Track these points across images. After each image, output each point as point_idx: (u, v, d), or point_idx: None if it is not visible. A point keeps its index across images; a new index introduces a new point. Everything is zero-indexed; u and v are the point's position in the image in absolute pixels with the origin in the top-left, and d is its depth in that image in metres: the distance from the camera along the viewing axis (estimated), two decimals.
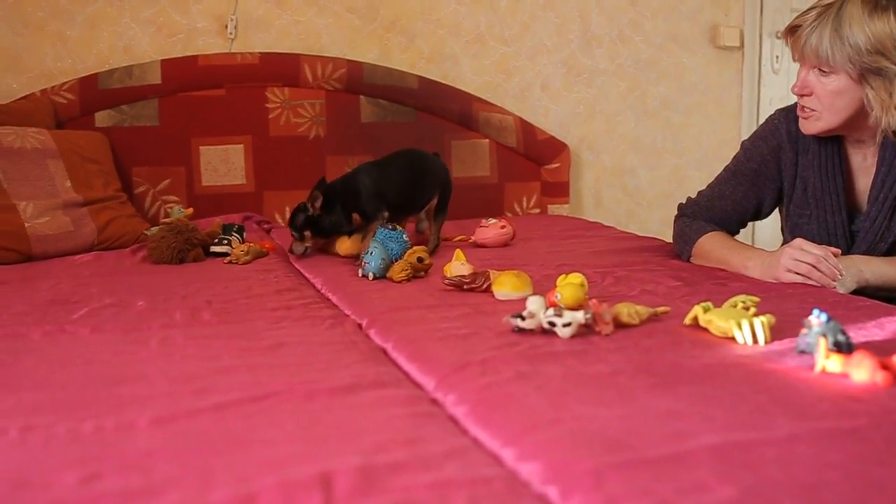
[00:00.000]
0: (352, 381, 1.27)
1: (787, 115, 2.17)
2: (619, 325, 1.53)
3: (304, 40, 3.39)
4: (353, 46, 3.44)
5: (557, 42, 3.74)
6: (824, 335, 1.32)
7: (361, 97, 3.35)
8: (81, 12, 3.14)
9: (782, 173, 2.17)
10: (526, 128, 3.55)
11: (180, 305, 1.82)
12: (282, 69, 3.26)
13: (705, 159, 3.97)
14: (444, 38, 3.57)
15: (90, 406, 1.16)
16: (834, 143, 2.10)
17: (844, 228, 2.09)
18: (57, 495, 0.89)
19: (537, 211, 3.60)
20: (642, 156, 3.93)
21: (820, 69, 1.95)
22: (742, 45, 4.01)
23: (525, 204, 3.58)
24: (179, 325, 1.65)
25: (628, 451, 0.98)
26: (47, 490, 0.90)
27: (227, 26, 3.28)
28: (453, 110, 3.45)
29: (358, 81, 3.33)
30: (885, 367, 1.24)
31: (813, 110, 2.01)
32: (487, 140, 3.51)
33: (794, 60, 2.04)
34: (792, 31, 2.00)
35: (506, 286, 1.81)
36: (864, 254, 2.06)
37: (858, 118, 1.98)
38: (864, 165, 2.09)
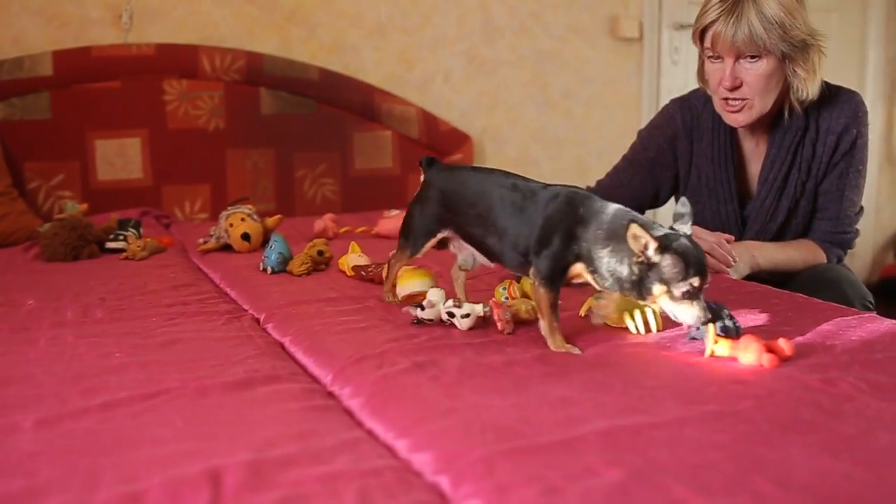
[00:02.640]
0: (246, 377, 1.25)
1: (682, 105, 2.23)
2: (519, 320, 1.54)
3: (201, 31, 3.32)
4: (252, 37, 3.39)
5: (459, 33, 3.75)
6: (713, 321, 1.35)
7: (262, 89, 3.30)
8: None
9: (678, 162, 2.22)
10: (428, 119, 3.56)
11: (72, 304, 1.77)
12: (179, 60, 3.19)
13: (606, 149, 4.01)
14: (345, 28, 3.54)
15: None
16: (727, 132, 2.15)
17: (737, 215, 2.15)
18: None
19: None
20: (544, 146, 3.97)
21: (749, 56, 1.98)
22: (641, 37, 4.07)
23: None
24: (70, 324, 1.61)
25: (520, 438, 0.99)
26: None
27: (121, 16, 3.20)
28: (355, 102, 3.43)
29: (258, 73, 3.28)
30: (770, 349, 1.28)
31: (744, 100, 2.02)
32: (390, 131, 3.49)
33: (717, 56, 2.01)
34: (708, 28, 2.00)
35: (407, 282, 1.74)
36: (755, 236, 2.12)
37: (778, 99, 2.04)
38: (756, 151, 2.15)
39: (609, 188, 2.31)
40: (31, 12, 3.09)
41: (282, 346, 1.50)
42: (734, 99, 2.03)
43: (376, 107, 3.46)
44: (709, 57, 2.04)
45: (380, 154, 3.49)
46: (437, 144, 3.55)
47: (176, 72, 3.19)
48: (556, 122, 3.98)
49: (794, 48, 1.96)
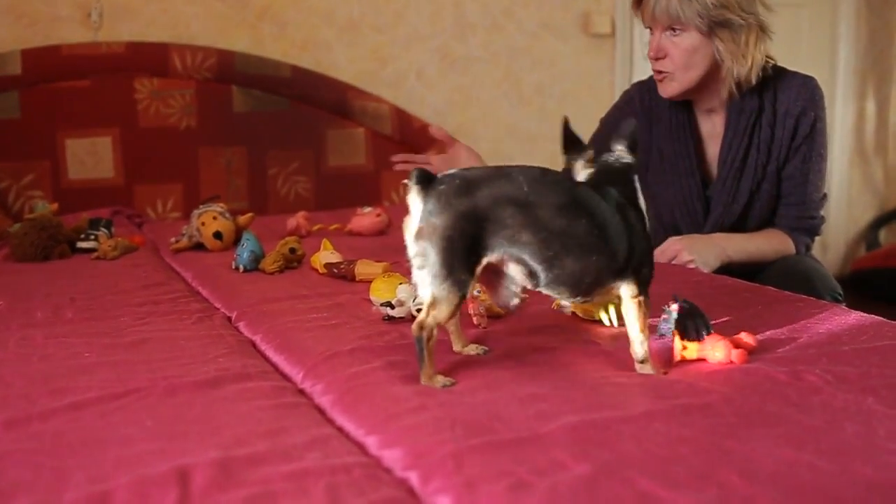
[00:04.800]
0: (216, 375, 1.25)
1: (641, 87, 2.30)
2: (492, 315, 1.54)
3: (172, 29, 3.31)
4: (223, 35, 3.38)
5: (431, 30, 3.75)
6: (681, 324, 1.33)
7: (234, 87, 3.29)
8: None
9: None
10: (402, 116, 3.56)
11: (42, 304, 1.76)
12: (149, 59, 3.18)
13: None
14: (317, 25, 3.54)
15: None
16: (685, 111, 2.20)
17: (699, 192, 2.19)
18: None
19: None
20: (518, 142, 3.97)
21: (672, 28, 2.05)
22: (614, 33, 4.09)
23: (402, 192, 3.58)
24: (40, 325, 1.60)
25: (489, 434, 0.99)
26: None
27: (90, 14, 3.18)
28: (328, 99, 3.43)
29: (229, 71, 3.27)
30: (737, 345, 1.28)
31: (668, 72, 2.10)
32: (363, 129, 3.49)
33: (645, 26, 2.13)
34: (638, 1, 2.10)
35: (382, 292, 1.64)
36: (719, 218, 2.15)
37: (710, 77, 2.09)
38: (714, 133, 2.19)
39: None
40: None
41: (253, 344, 1.50)
42: (660, 70, 2.11)
43: (349, 104, 3.45)
44: (646, 27, 2.14)
45: (353, 151, 3.48)
46: (411, 141, 3.55)
47: (147, 70, 3.17)
48: (529, 119, 3.99)
49: (717, 25, 2.01)
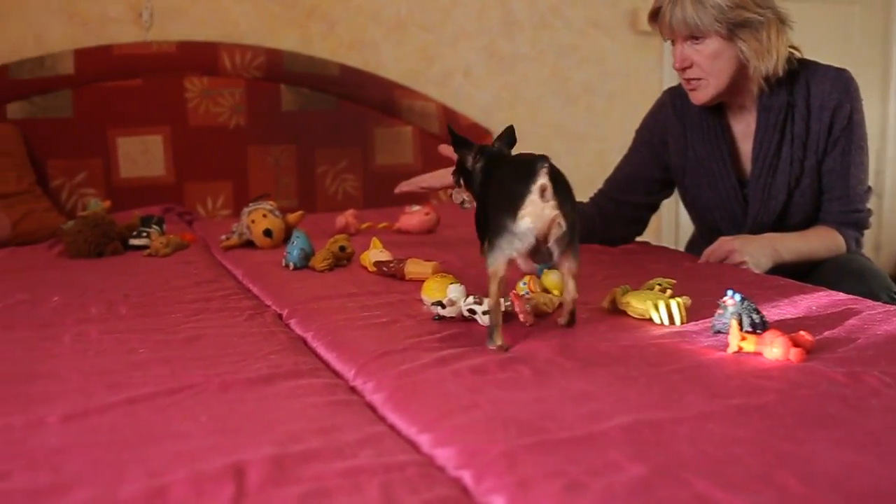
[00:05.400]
0: (269, 372, 1.26)
1: (673, 93, 2.30)
2: (539, 314, 1.54)
3: (221, 28, 3.34)
4: (272, 34, 3.40)
5: (478, 28, 3.75)
6: (738, 316, 1.35)
7: (282, 85, 3.32)
8: None
9: (670, 147, 2.25)
10: (449, 114, 3.56)
11: (96, 300, 1.78)
12: (200, 58, 3.21)
13: (627, 143, 3.99)
14: (365, 24, 3.55)
15: None
16: (716, 113, 2.20)
17: (736, 192, 2.19)
18: None
19: None
20: (565, 141, 3.96)
21: (693, 37, 2.05)
22: None
23: (447, 193, 3.58)
24: (95, 320, 1.62)
25: (542, 433, 0.98)
26: None
27: (141, 14, 3.22)
28: (375, 98, 3.44)
29: (278, 69, 3.30)
30: (796, 343, 1.27)
31: (699, 79, 2.10)
32: (410, 127, 3.50)
33: (665, 39, 2.13)
34: (654, 14, 2.10)
35: (433, 291, 1.63)
36: (756, 215, 2.14)
37: (739, 76, 2.08)
38: (747, 132, 2.18)
39: (614, 175, 2.39)
40: (52, 11, 3.12)
41: (304, 342, 1.50)
42: (689, 79, 2.11)
43: (397, 103, 3.46)
44: (666, 40, 2.15)
45: (400, 150, 3.49)
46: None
47: (197, 69, 3.21)
48: (576, 117, 3.97)
49: (736, 26, 2.01)
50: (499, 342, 1.34)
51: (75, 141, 3.07)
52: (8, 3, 3.07)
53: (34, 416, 1.09)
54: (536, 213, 1.32)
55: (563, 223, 1.33)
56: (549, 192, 1.32)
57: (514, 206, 1.32)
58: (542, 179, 1.31)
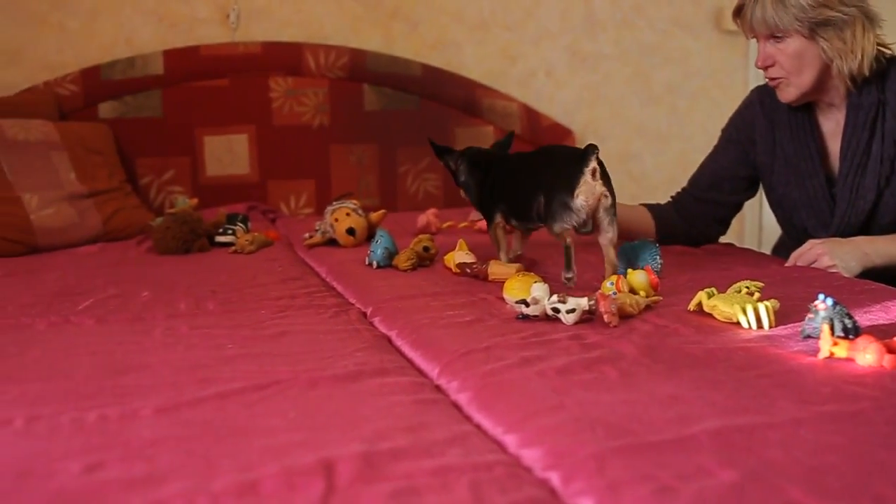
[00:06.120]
0: (355, 369, 1.27)
1: (761, 91, 2.26)
2: (623, 314, 1.53)
3: (306, 28, 3.38)
4: (355, 34, 3.43)
5: (561, 27, 3.73)
6: (829, 320, 1.32)
7: (365, 85, 3.34)
8: (83, 4, 3.14)
9: (758, 146, 2.22)
10: (530, 114, 3.55)
11: (185, 295, 1.82)
12: (284, 58, 3.26)
13: (711, 144, 3.92)
14: (448, 24, 3.56)
15: (94, 396, 1.17)
16: (805, 111, 2.16)
17: (824, 191, 2.14)
18: (61, 484, 0.90)
19: None
20: (647, 141, 3.92)
21: (773, 37, 2.02)
22: None
23: None
24: (184, 315, 1.66)
25: (630, 435, 0.98)
26: (52, 478, 0.91)
27: (229, 15, 3.28)
28: (457, 97, 3.45)
29: (361, 69, 3.32)
30: (890, 350, 1.24)
31: (781, 78, 2.07)
32: (492, 127, 3.50)
33: (748, 38, 2.12)
34: (738, 11, 2.08)
35: (516, 290, 1.64)
36: (844, 214, 2.09)
37: (825, 75, 2.04)
38: (836, 130, 2.13)
39: (700, 172, 2.37)
40: (142, 13, 3.19)
41: (388, 340, 1.52)
42: (772, 78, 2.09)
43: (478, 102, 3.46)
44: (749, 39, 2.14)
45: None
46: (540, 139, 3.54)
47: (282, 69, 3.25)
48: (659, 117, 3.92)
49: (818, 25, 1.97)
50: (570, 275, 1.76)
51: (164, 140, 3.14)
52: (100, 6, 3.15)
53: (128, 409, 1.11)
54: (589, 190, 1.68)
55: (609, 196, 1.71)
56: (598, 173, 1.69)
57: (570, 186, 1.68)
58: (594, 163, 1.67)
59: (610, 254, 1.75)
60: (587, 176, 1.67)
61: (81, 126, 2.91)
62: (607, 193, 1.70)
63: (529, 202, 1.82)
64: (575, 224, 1.71)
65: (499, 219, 1.99)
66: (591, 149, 1.68)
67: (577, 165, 1.68)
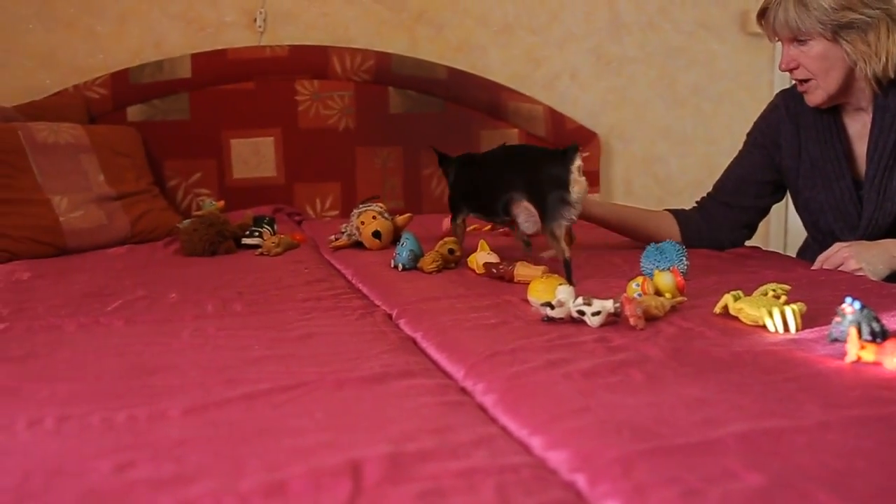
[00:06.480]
0: (381, 371, 1.28)
1: (786, 94, 2.26)
2: (648, 317, 1.53)
3: (332, 32, 3.39)
4: (381, 37, 3.44)
5: (586, 30, 3.72)
6: (857, 324, 1.31)
7: (390, 88, 3.35)
8: (112, 8, 3.17)
9: (783, 150, 2.21)
10: (555, 117, 3.54)
11: (212, 297, 1.83)
12: (310, 61, 3.27)
13: (736, 147, 3.89)
14: (472, 28, 3.56)
15: (124, 396, 1.18)
16: (831, 114, 2.15)
17: (851, 194, 2.13)
18: (91, 483, 0.91)
19: None
20: (672, 144, 3.91)
21: (797, 40, 2.02)
22: None
23: None
24: (211, 317, 1.67)
25: (656, 438, 0.98)
26: (82, 478, 0.92)
27: (255, 20, 3.30)
28: (482, 100, 3.45)
29: (386, 72, 3.33)
30: None
31: (807, 81, 2.07)
32: (516, 130, 3.50)
33: (772, 41, 2.12)
34: (762, 14, 2.08)
35: (540, 293, 1.65)
36: (871, 217, 2.09)
37: (852, 77, 2.04)
38: (863, 133, 2.13)
39: (725, 176, 2.37)
40: (170, 17, 3.22)
41: (414, 342, 1.52)
42: (798, 80, 2.09)
43: (503, 105, 3.46)
44: (772, 42, 2.14)
45: None
46: (564, 142, 3.51)
47: (308, 72, 3.26)
48: (684, 120, 3.91)
49: (840, 28, 1.97)
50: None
51: (191, 142, 3.16)
52: (129, 11, 3.18)
53: (157, 409, 1.12)
54: (581, 185, 1.85)
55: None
56: (581, 168, 1.86)
57: (565, 184, 1.85)
58: (579, 161, 1.84)
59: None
60: (575, 173, 1.84)
61: (110, 129, 2.94)
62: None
63: (497, 200, 2.04)
64: (574, 218, 1.88)
65: (462, 218, 2.23)
66: (573, 149, 1.86)
67: (564, 163, 1.85)
